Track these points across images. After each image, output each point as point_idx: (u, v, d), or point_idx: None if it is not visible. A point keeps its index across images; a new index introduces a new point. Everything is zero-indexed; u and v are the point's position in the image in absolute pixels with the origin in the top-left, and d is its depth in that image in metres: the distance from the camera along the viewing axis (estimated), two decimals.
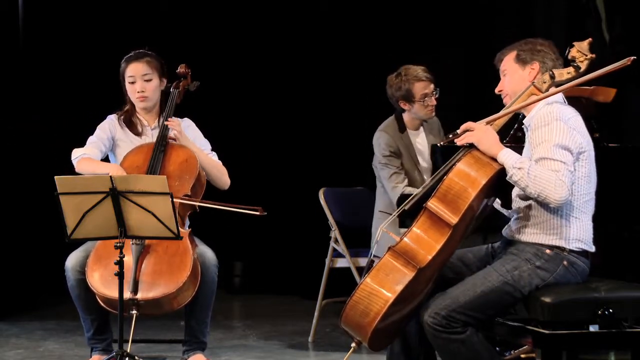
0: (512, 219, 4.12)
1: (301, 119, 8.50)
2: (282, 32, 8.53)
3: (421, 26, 8.27)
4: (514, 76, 4.11)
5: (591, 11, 7.32)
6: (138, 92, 5.19)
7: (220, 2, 8.55)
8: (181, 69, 5.38)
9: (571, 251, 3.96)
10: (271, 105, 8.56)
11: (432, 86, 5.77)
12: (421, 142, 5.89)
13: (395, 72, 5.82)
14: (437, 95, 5.78)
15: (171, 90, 5.29)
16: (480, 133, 3.94)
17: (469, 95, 7.87)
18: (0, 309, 7.07)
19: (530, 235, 3.99)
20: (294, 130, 8.52)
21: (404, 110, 5.84)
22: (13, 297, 7.48)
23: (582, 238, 3.98)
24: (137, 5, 8.37)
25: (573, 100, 5.53)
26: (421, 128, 5.92)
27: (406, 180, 5.74)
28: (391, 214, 5.71)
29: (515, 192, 4.09)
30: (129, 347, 4.65)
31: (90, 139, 5.18)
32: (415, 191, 5.58)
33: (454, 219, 3.83)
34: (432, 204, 3.85)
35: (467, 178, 3.86)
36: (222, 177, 5.26)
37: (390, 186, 5.72)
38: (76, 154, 5.09)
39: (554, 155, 3.86)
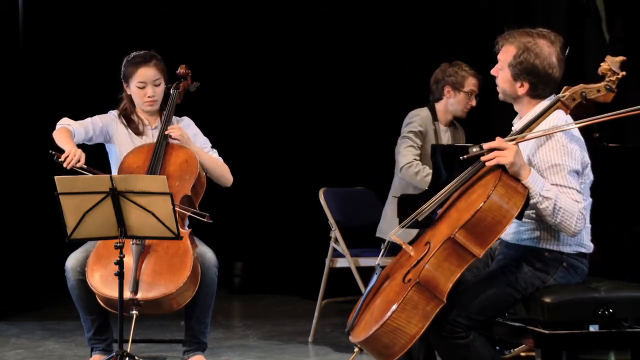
0: None
1: (301, 119, 8.51)
2: (282, 32, 8.53)
3: (421, 26, 8.27)
4: (507, 82, 4.00)
5: (591, 11, 7.32)
6: (148, 96, 5.18)
7: (220, 2, 8.55)
8: (181, 69, 5.37)
9: (569, 254, 3.96)
10: (271, 106, 8.57)
11: (477, 90, 5.97)
12: (446, 141, 5.97)
13: (450, 62, 6.00)
14: (477, 100, 5.97)
15: (171, 91, 5.27)
16: (512, 154, 3.75)
17: None
18: (0, 309, 7.07)
19: (529, 240, 3.98)
20: (294, 130, 8.52)
21: (440, 99, 5.95)
22: (13, 297, 7.48)
23: (580, 242, 3.97)
24: (137, 5, 8.37)
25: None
26: (449, 129, 6.00)
27: (418, 157, 5.79)
28: (395, 196, 5.77)
29: None
30: (129, 347, 4.65)
31: (85, 119, 5.17)
32: (419, 165, 5.67)
33: (480, 251, 3.74)
34: (460, 236, 3.72)
35: (499, 211, 3.72)
36: (224, 174, 5.25)
37: (400, 155, 5.79)
38: (62, 121, 5.09)
39: (570, 184, 3.81)
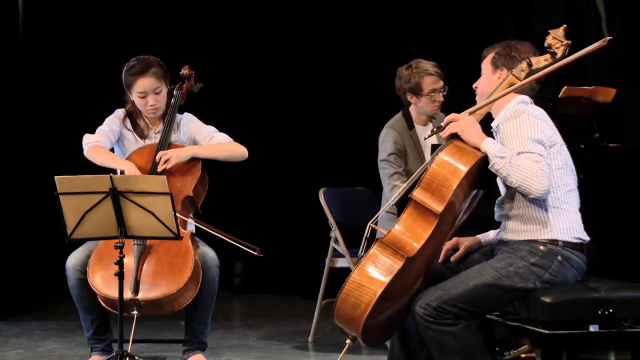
0: (501, 223, 4.13)
1: (302, 119, 8.51)
2: (283, 32, 8.53)
3: (421, 26, 8.27)
4: (486, 78, 4.21)
5: (591, 11, 7.32)
6: (150, 105, 5.17)
7: (223, 3, 8.55)
8: (184, 70, 5.36)
9: (565, 244, 3.97)
10: (272, 106, 8.57)
11: (441, 82, 5.77)
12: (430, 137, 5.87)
13: (406, 65, 5.81)
14: (445, 93, 5.77)
15: (174, 92, 5.26)
16: (463, 123, 4.01)
17: (468, 94, 7.86)
18: (0, 309, 7.07)
19: (522, 233, 4.02)
20: (295, 131, 8.52)
21: (410, 104, 5.83)
22: (13, 297, 7.48)
23: (570, 227, 4.00)
24: (139, 5, 8.37)
25: (573, 100, 5.55)
26: (430, 124, 5.89)
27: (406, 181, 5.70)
28: (394, 213, 5.74)
29: (501, 193, 4.11)
30: (129, 347, 4.65)
31: (101, 128, 5.16)
32: None
33: (439, 208, 3.87)
34: (417, 194, 3.90)
35: (449, 166, 3.90)
36: (234, 154, 5.20)
37: (390, 187, 5.69)
38: (88, 139, 5.08)
39: (530, 149, 3.90)
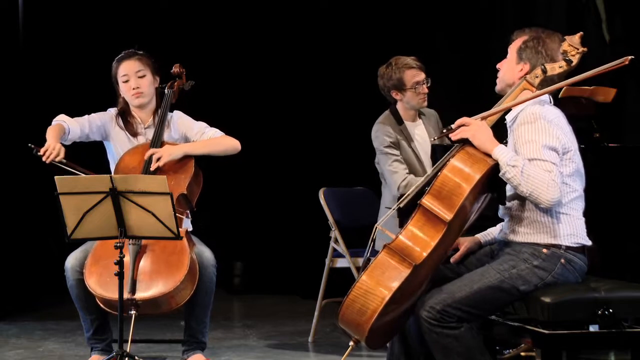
0: (504, 222, 4.13)
1: (301, 118, 8.50)
2: (280, 30, 8.53)
3: (421, 24, 8.27)
4: (509, 65, 4.13)
5: (591, 11, 7.32)
6: (133, 88, 5.18)
7: (215, 1, 8.55)
8: (175, 68, 5.37)
9: (567, 248, 3.96)
10: (270, 105, 8.56)
11: (423, 75, 5.75)
12: (420, 133, 5.84)
13: (386, 63, 5.81)
14: (428, 84, 5.76)
15: (166, 90, 5.27)
16: (475, 128, 3.93)
17: (469, 93, 7.87)
18: (0, 309, 7.07)
19: (525, 235, 4.00)
20: (294, 130, 8.52)
21: (396, 102, 5.83)
22: (13, 297, 7.48)
23: (575, 233, 3.99)
24: (135, 5, 8.37)
25: (573, 100, 5.55)
26: (419, 120, 5.89)
27: (407, 169, 5.70)
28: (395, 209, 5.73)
29: (506, 192, 4.10)
30: (128, 347, 4.65)
31: (83, 116, 5.19)
32: (416, 180, 5.60)
33: (448, 216, 3.82)
34: (427, 200, 3.85)
35: (460, 174, 3.85)
36: (228, 148, 5.20)
37: (391, 174, 5.67)
38: (58, 117, 5.11)
39: (543, 156, 3.87)
